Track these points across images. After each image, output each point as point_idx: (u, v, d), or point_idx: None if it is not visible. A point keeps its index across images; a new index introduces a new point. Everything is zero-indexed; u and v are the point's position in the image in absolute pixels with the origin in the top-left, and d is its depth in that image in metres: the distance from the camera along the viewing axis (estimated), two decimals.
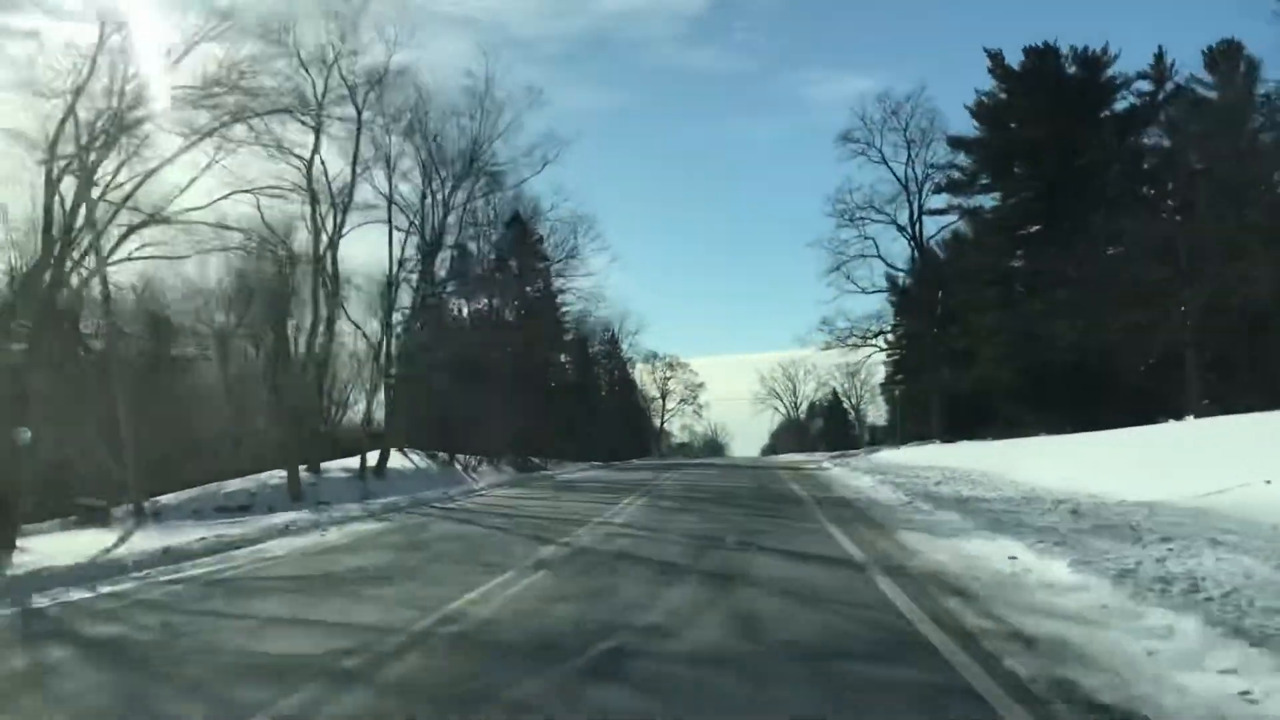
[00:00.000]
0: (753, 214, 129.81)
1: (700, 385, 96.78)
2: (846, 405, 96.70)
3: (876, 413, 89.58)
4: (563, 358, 56.10)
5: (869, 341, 51.91)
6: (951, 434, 38.71)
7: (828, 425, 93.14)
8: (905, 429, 54.12)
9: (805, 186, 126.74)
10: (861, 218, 47.22)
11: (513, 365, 36.15)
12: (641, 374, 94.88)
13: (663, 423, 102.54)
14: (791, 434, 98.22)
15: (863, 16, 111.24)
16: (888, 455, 35.12)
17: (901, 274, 49.30)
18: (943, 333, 44.79)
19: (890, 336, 52.37)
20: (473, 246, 37.87)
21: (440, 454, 31.89)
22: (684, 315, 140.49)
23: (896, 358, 53.71)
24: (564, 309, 50.38)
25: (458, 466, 31.26)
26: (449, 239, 34.24)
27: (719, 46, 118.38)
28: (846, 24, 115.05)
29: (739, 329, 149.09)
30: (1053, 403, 33.30)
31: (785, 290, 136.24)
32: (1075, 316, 32.99)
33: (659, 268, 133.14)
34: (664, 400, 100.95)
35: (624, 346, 72.65)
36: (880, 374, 67.39)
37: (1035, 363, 34.75)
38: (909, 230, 47.01)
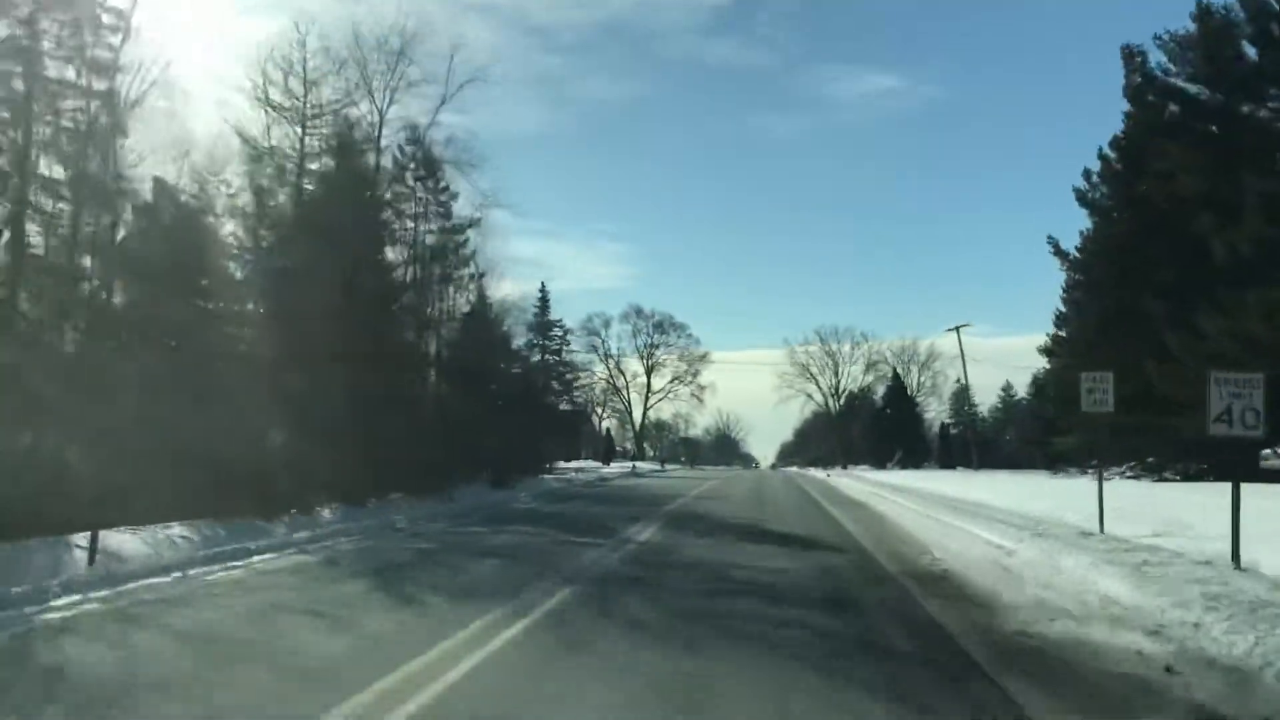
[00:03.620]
0: (775, 211, 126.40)
1: (703, 357, 74.03)
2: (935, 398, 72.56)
3: (939, 406, 70.50)
4: None
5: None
6: None
7: (877, 422, 69.88)
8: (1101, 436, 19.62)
9: (825, 186, 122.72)
10: None
11: None
12: (621, 357, 69.92)
13: (646, 409, 76.81)
14: (825, 431, 78.05)
15: (887, 14, 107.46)
16: None
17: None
18: None
19: None
20: None
21: None
22: (698, 309, 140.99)
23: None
24: None
25: None
26: None
27: (740, 39, 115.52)
28: (870, 20, 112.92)
29: (754, 325, 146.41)
30: None
31: (802, 289, 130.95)
32: None
33: (673, 260, 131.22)
34: (649, 377, 75.07)
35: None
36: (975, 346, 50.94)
37: None
38: None
